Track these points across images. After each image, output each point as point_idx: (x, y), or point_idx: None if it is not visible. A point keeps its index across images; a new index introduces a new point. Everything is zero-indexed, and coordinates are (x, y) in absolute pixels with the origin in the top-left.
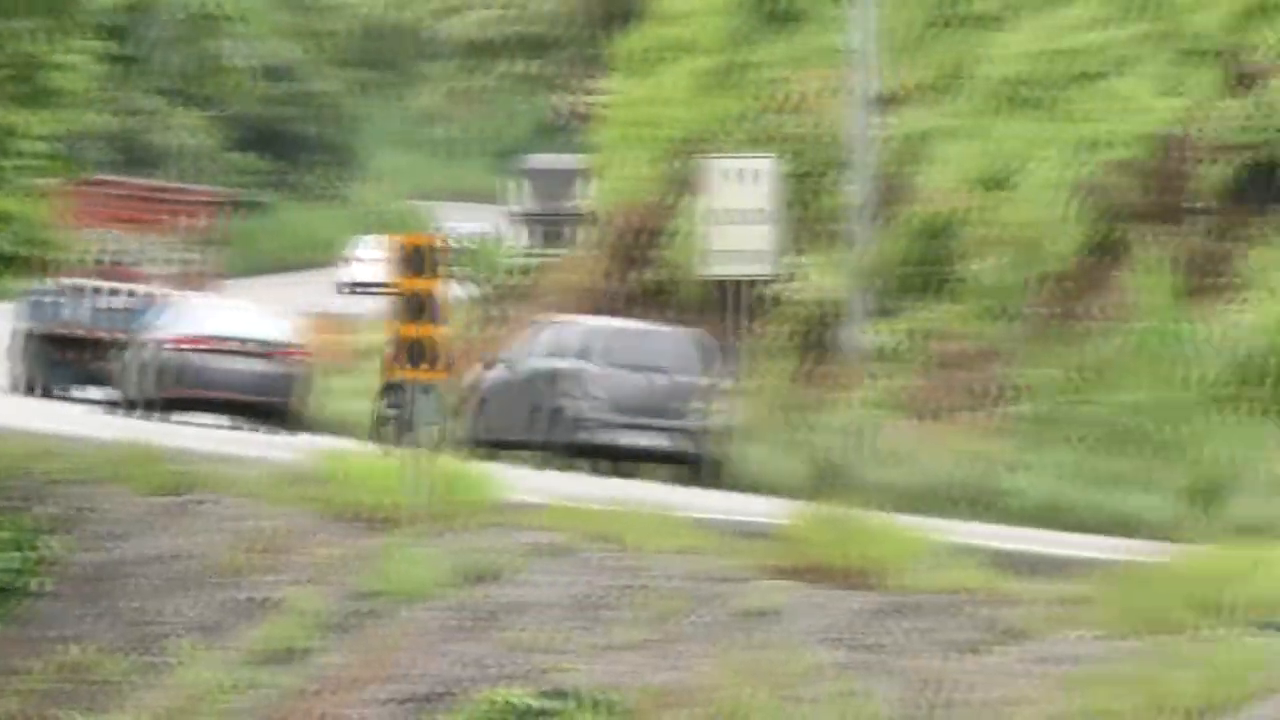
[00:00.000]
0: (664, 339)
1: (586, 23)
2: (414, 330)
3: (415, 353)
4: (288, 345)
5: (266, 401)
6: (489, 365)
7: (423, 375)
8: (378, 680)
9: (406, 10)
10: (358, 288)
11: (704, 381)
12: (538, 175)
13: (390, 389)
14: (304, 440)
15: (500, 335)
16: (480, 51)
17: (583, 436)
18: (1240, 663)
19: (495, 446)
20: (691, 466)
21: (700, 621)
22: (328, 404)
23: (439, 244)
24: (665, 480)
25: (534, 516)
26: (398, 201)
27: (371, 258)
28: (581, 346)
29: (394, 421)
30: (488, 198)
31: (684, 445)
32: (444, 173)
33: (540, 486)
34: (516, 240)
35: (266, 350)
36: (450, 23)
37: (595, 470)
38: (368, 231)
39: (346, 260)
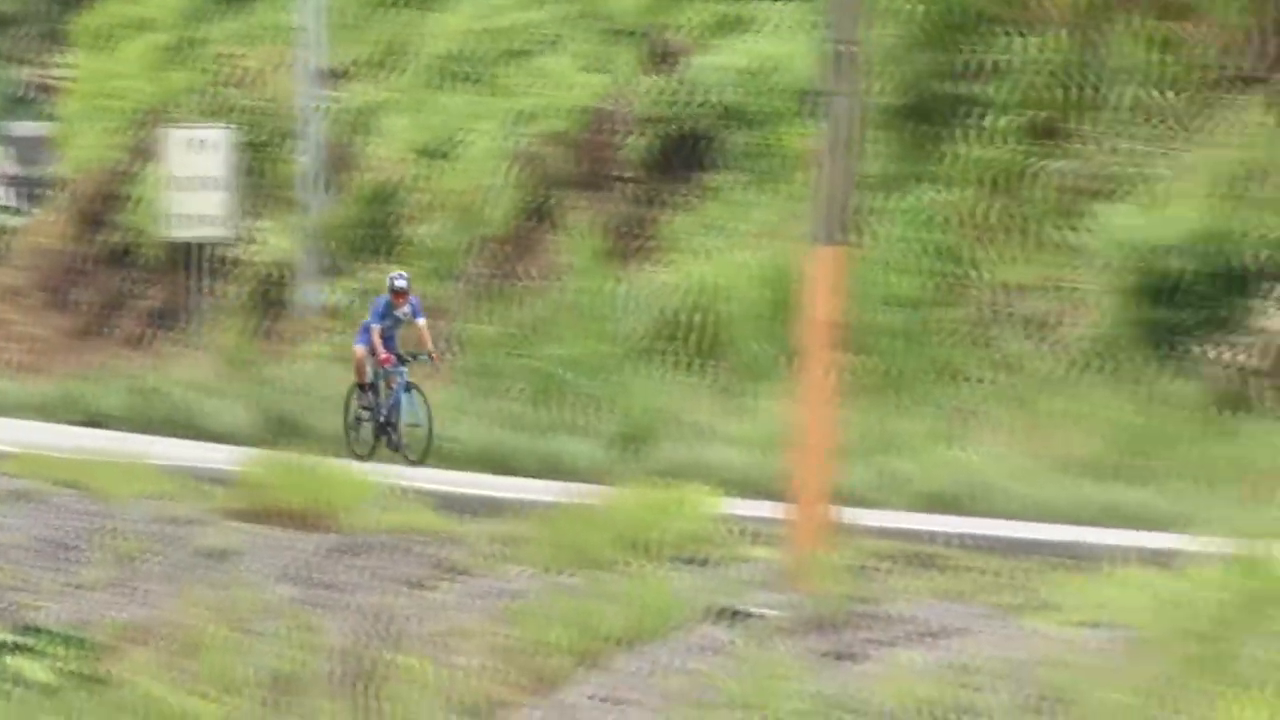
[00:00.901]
0: None
1: (48, 0)
2: None
3: None
4: None
5: None
6: None
7: None
8: None
9: None
10: None
11: None
12: (19, 142)
13: (364, 389)
14: None
15: None
16: None
17: None
18: (661, 596)
19: None
20: None
21: (164, 562)
22: None
23: None
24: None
25: (3, 464)
26: None
27: None
28: None
29: (370, 422)
30: None
31: None
32: None
33: (8, 437)
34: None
35: None
36: None
37: None
38: None
39: None
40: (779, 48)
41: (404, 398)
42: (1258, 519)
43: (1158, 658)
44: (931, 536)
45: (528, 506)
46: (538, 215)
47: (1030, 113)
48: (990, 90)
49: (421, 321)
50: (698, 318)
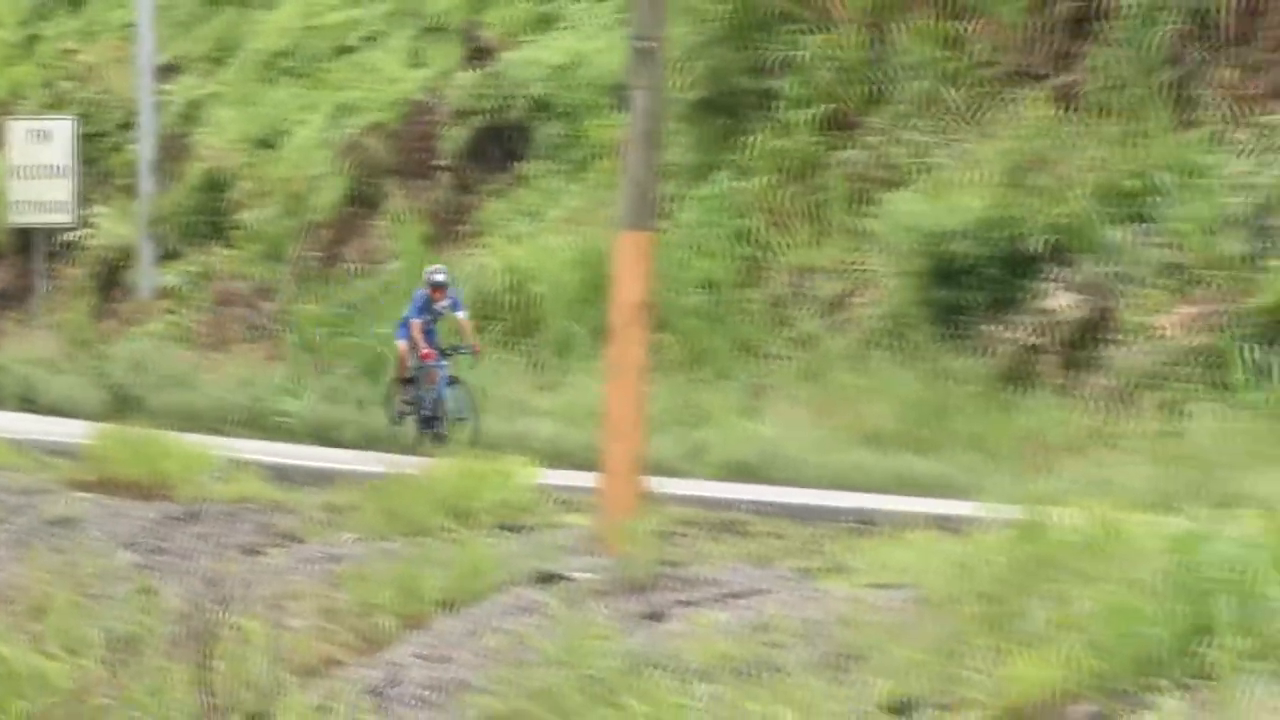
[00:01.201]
0: None
1: None
2: None
3: None
4: None
5: None
6: None
7: None
8: None
9: None
10: None
11: None
12: None
13: (406, 383)
14: None
15: None
16: None
17: None
18: (481, 561)
19: None
20: None
21: (11, 529)
22: None
23: None
24: None
25: None
26: None
27: None
28: None
29: (412, 416)
30: None
31: None
32: None
33: None
34: None
35: None
36: None
37: None
38: None
39: None
40: (587, 44)
41: (448, 392)
42: (1038, 486)
43: (946, 616)
44: (734, 504)
45: (354, 476)
46: (361, 202)
47: (823, 106)
48: (786, 84)
49: (462, 315)
50: (513, 298)
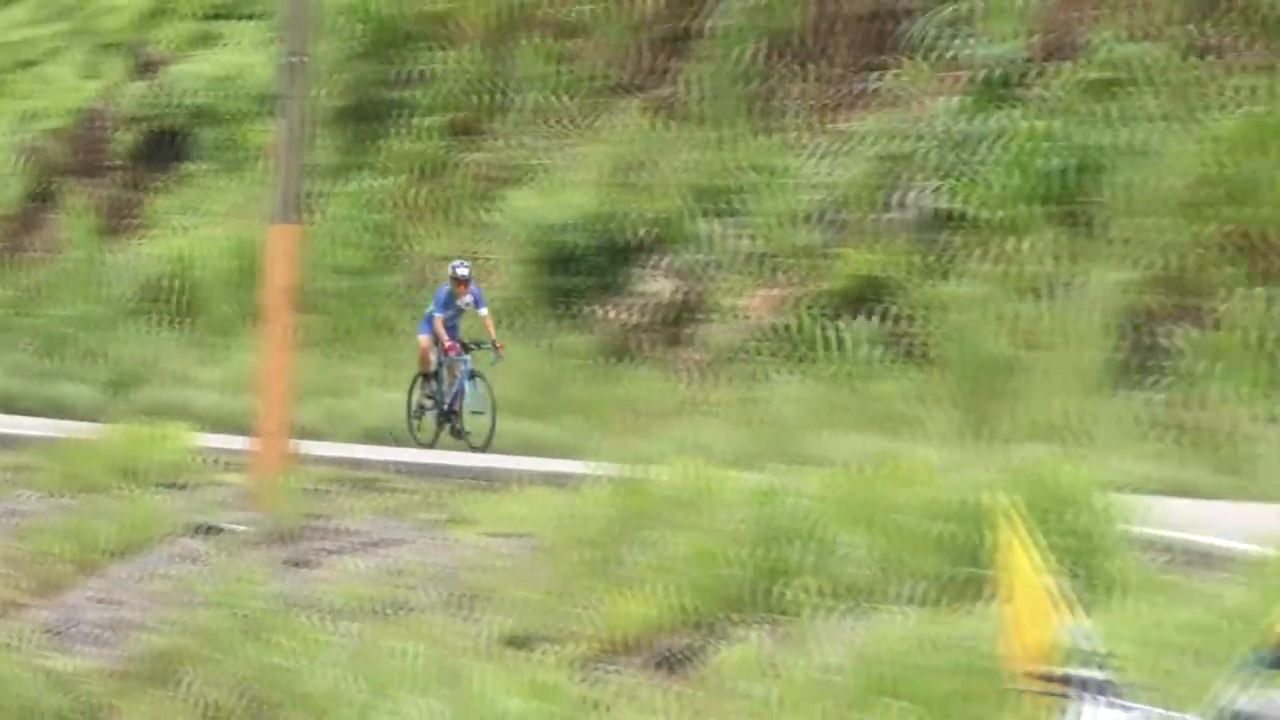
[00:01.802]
0: None
1: None
2: None
3: None
4: None
5: None
6: None
7: None
8: None
9: None
10: None
11: None
12: None
13: (426, 379)
14: None
15: None
16: None
17: None
18: (147, 515)
19: None
20: None
21: None
22: None
23: None
24: None
25: None
26: None
27: None
28: None
29: (432, 411)
30: None
31: None
32: None
33: None
34: None
35: None
36: None
37: None
38: None
39: None
40: (244, 59)
41: (467, 386)
42: (638, 448)
43: (558, 562)
44: (372, 464)
45: (35, 441)
46: (42, 198)
47: (451, 114)
48: (418, 95)
49: (484, 311)
50: (176, 283)
